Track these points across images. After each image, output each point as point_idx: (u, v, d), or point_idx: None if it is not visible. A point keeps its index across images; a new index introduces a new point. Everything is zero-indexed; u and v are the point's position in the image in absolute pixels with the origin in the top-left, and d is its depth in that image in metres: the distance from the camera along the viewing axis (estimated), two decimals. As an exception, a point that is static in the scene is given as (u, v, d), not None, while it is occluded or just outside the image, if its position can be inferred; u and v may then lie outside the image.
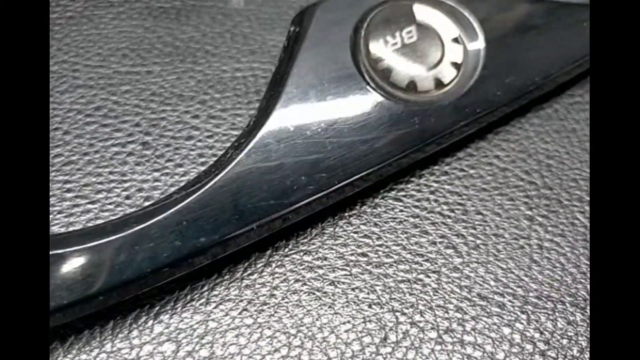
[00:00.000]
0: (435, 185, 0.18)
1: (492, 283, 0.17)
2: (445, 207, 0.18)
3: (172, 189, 0.18)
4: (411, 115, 0.17)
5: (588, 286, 0.17)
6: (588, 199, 0.18)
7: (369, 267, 0.17)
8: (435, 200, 0.18)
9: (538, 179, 0.19)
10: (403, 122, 0.17)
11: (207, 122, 0.19)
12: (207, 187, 0.15)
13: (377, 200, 0.18)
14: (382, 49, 0.17)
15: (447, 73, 0.17)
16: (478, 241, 0.17)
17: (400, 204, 0.18)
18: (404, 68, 0.17)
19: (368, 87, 0.17)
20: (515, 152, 0.19)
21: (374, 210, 0.18)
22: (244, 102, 0.19)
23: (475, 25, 0.18)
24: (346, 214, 0.17)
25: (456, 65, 0.17)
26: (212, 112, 0.19)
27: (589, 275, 0.17)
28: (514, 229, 0.18)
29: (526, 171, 0.19)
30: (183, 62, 0.20)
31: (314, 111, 0.16)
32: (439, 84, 0.17)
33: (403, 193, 0.18)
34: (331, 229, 0.17)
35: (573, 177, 0.19)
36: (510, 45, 0.18)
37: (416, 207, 0.18)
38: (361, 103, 0.16)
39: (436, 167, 0.19)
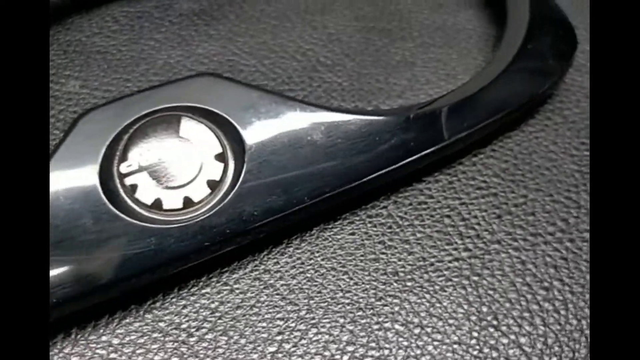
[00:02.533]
0: (185, 310, 0.18)
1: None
2: (184, 334, 0.18)
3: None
4: (148, 235, 0.17)
5: None
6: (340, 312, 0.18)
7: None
8: (178, 327, 0.18)
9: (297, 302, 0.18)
10: (139, 243, 0.17)
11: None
12: None
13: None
14: (135, 163, 0.17)
15: (199, 191, 0.17)
16: (214, 364, 0.17)
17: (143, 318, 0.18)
18: (151, 185, 0.17)
19: (108, 205, 0.17)
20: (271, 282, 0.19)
21: (122, 321, 0.18)
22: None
23: (245, 141, 0.18)
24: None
25: (212, 183, 0.17)
26: None
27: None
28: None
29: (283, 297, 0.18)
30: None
31: (41, 229, 0.16)
32: (188, 202, 0.17)
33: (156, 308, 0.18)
34: None
35: (322, 301, 0.18)
36: (279, 163, 0.18)
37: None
38: (98, 221, 0.16)
39: (184, 292, 0.18)
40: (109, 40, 0.24)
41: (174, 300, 0.18)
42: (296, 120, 0.18)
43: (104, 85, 0.22)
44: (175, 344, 0.17)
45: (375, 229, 0.19)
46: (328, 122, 0.18)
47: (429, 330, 0.18)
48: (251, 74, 0.23)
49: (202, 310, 0.18)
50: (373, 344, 0.17)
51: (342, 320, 0.18)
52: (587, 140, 0.22)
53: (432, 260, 0.19)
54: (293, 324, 0.18)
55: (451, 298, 0.18)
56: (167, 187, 0.17)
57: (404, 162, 0.19)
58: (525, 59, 0.21)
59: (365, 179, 0.18)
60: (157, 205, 0.17)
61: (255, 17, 0.24)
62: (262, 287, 0.18)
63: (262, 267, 0.19)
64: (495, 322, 0.18)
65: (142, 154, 0.17)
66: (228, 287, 0.18)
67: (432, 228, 0.20)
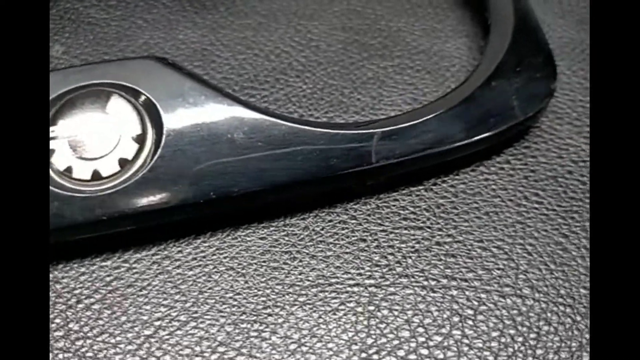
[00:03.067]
0: (82, 277, 0.19)
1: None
2: (74, 299, 0.18)
3: None
4: (52, 199, 0.17)
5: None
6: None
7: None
8: (71, 291, 0.18)
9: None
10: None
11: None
12: None
13: None
14: (59, 130, 0.18)
15: (109, 167, 0.18)
16: None
17: None
18: (67, 152, 0.18)
19: (23, 163, 0.18)
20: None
21: None
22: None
23: (165, 127, 0.18)
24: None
25: (123, 162, 0.18)
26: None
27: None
28: None
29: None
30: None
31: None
32: (97, 175, 0.18)
33: None
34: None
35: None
36: (193, 155, 0.18)
37: None
38: (11, 176, 0.17)
39: (86, 260, 0.19)
40: (102, 13, 0.25)
41: (75, 266, 0.19)
42: (220, 116, 0.18)
43: (84, 55, 0.23)
44: (64, 306, 0.18)
45: (286, 238, 0.19)
46: (252, 123, 0.18)
47: (305, 349, 0.17)
48: (220, 66, 0.23)
49: (97, 281, 0.18)
50: (244, 351, 0.17)
51: (222, 320, 0.18)
52: (541, 192, 0.21)
53: (333, 280, 0.18)
54: (175, 313, 0.18)
55: (339, 322, 0.18)
56: (80, 158, 0.18)
57: (322, 177, 0.19)
58: (483, 96, 0.20)
59: (277, 186, 0.18)
60: (67, 172, 0.18)
61: (243, 12, 0.25)
62: (158, 271, 0.19)
63: (165, 252, 0.19)
64: (376, 357, 0.17)
65: (67, 122, 0.18)
66: (127, 265, 0.19)
67: (343, 249, 0.19)
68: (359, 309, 0.18)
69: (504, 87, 0.20)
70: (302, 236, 0.19)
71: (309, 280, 0.19)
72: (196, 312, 0.18)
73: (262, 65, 0.23)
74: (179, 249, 0.19)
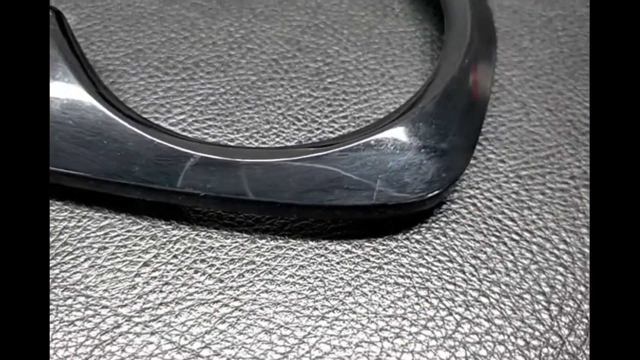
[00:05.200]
0: None
1: None
2: None
3: None
4: None
5: None
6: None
7: None
8: None
9: None
10: None
11: None
12: None
13: None
14: None
15: None
16: None
17: None
18: None
19: None
20: None
21: None
22: None
23: None
24: None
25: None
26: None
27: None
28: None
29: None
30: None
31: None
32: None
33: None
34: None
35: None
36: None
37: None
38: None
39: None
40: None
41: None
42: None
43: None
44: None
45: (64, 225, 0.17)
46: (72, 100, 0.16)
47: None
48: (145, 37, 0.21)
49: None
50: None
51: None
52: (395, 299, 0.16)
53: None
54: None
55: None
56: None
57: (119, 182, 0.16)
58: (354, 159, 0.16)
59: (69, 174, 0.16)
60: None
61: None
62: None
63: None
64: None
65: None
66: None
67: (116, 272, 0.17)
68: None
69: (389, 157, 0.16)
70: (83, 235, 0.17)
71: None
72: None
73: (184, 50, 0.21)
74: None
